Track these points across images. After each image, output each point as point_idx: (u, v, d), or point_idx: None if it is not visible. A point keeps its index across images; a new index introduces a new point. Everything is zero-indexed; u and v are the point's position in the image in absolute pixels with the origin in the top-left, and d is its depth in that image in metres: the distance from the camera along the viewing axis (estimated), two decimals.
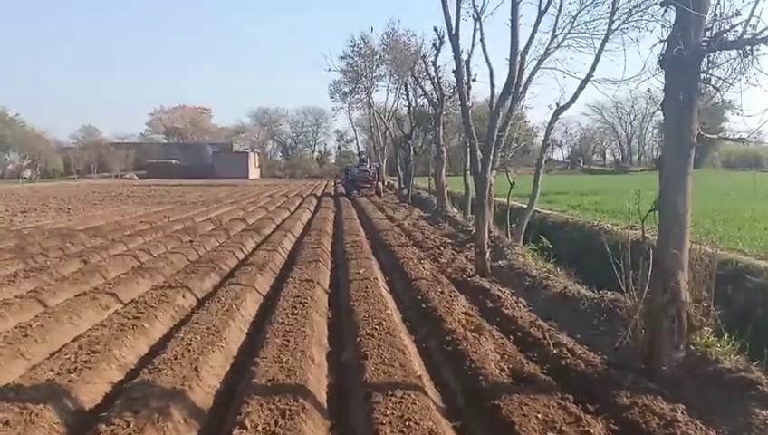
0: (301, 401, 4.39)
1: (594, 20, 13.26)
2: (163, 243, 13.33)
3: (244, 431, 3.90)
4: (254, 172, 79.99)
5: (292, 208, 24.72)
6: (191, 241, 13.88)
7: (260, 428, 3.95)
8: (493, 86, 13.11)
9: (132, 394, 4.44)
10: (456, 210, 21.50)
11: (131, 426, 3.90)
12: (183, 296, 8.11)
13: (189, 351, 5.47)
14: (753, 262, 9.11)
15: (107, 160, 76.32)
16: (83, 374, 4.99)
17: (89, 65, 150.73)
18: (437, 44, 20.40)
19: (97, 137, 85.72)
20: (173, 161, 79.29)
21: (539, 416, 4.22)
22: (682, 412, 4.32)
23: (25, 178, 65.92)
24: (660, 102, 5.28)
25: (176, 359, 5.25)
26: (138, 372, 5.15)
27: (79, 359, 5.31)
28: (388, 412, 4.19)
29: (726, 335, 5.55)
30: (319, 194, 35.67)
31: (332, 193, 36.86)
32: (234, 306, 7.29)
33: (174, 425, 4.09)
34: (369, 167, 35.39)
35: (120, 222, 18.53)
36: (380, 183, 35.31)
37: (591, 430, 4.03)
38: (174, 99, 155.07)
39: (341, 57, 39.09)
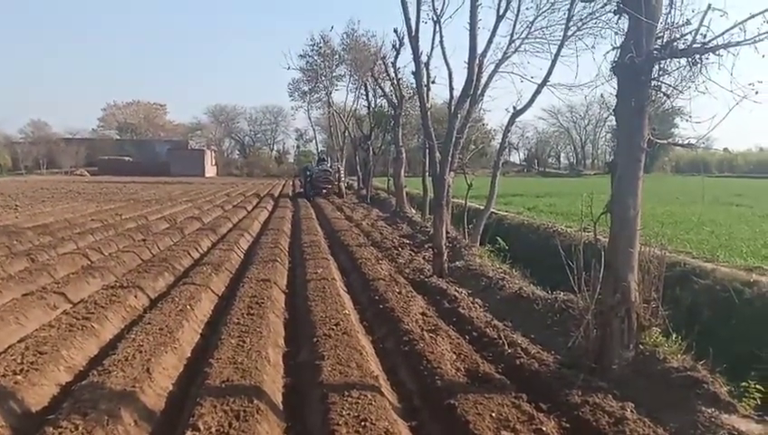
0: (256, 402, 4.34)
1: (551, 26, 13.55)
2: (115, 241, 12.99)
3: (197, 433, 3.83)
4: (210, 170, 78.73)
5: (249, 208, 24.44)
6: (144, 240, 13.57)
7: (213, 430, 3.89)
8: (452, 88, 13.24)
9: (81, 396, 4.32)
10: (414, 211, 21.60)
11: (80, 429, 3.80)
12: (135, 296, 7.93)
13: (141, 352, 5.35)
14: (700, 264, 9.42)
15: (57, 156, 73.87)
16: (30, 376, 4.84)
17: (38, 57, 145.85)
18: (397, 46, 20.50)
19: (47, 132, 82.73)
20: (126, 158, 77.34)
21: (493, 415, 4.28)
22: (631, 410, 4.43)
23: None
24: (613, 108, 5.41)
25: (127, 360, 5.12)
26: (87, 373, 5.01)
27: (25, 360, 5.14)
28: (344, 413, 4.19)
29: (674, 335, 5.73)
30: (276, 195, 34.67)
31: (290, 194, 35.69)
32: (188, 307, 7.16)
33: (124, 428, 4.00)
34: (331, 166, 33.24)
35: (70, 220, 17.98)
36: (342, 184, 33.45)
37: (544, 428, 4.11)
38: (128, 94, 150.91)
39: (301, 56, 38.68)
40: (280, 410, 4.70)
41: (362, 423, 4.02)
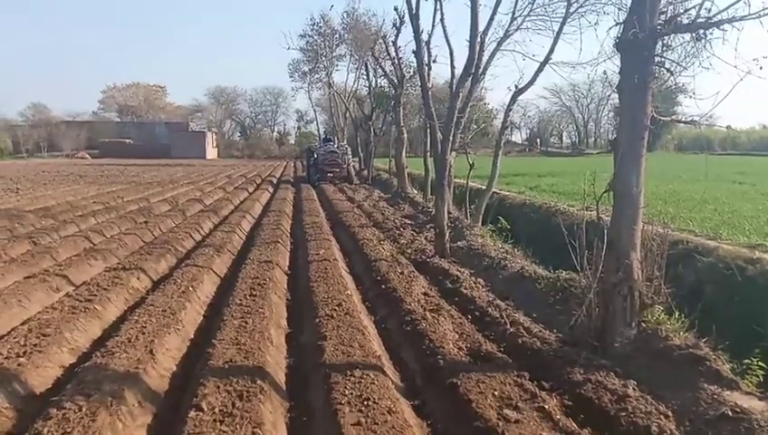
0: (259, 382, 4.35)
1: (553, 2, 13.36)
2: (117, 224, 13.00)
3: (201, 414, 3.85)
4: (211, 152, 78.47)
5: (251, 189, 24.41)
6: (146, 222, 13.58)
7: (217, 410, 3.91)
8: (453, 67, 13.11)
9: (84, 378, 4.33)
10: (416, 191, 21.54)
11: (83, 410, 3.81)
12: (137, 278, 7.94)
13: (144, 333, 5.37)
14: (703, 242, 9.39)
15: (58, 139, 73.62)
16: (33, 358, 4.85)
17: (37, 39, 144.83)
18: (398, 24, 20.24)
19: (47, 115, 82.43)
20: (127, 140, 77.15)
21: (495, 393, 4.29)
22: (633, 388, 4.44)
23: None
24: (616, 85, 5.35)
25: (130, 342, 5.14)
26: (90, 355, 5.03)
27: (28, 342, 5.15)
28: (347, 392, 4.20)
29: (676, 313, 5.72)
30: (277, 178, 33.16)
31: (292, 178, 33.62)
32: (190, 288, 7.17)
33: (128, 408, 4.01)
34: (338, 147, 29.26)
35: (72, 202, 18.00)
36: (351, 167, 28.85)
37: (546, 406, 4.11)
38: (128, 76, 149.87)
39: (301, 35, 38.42)
40: (283, 390, 4.72)
41: (365, 402, 4.04)
